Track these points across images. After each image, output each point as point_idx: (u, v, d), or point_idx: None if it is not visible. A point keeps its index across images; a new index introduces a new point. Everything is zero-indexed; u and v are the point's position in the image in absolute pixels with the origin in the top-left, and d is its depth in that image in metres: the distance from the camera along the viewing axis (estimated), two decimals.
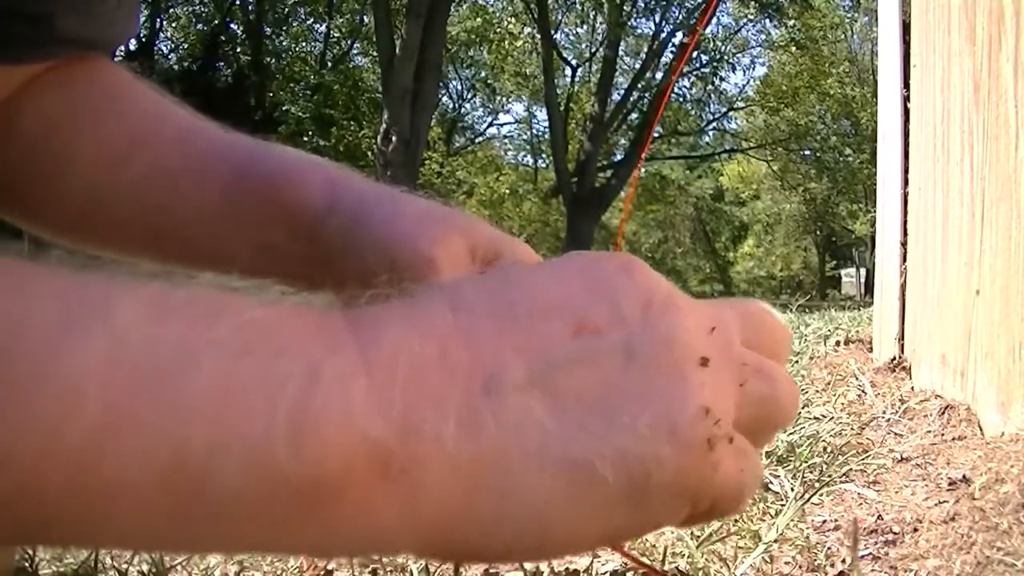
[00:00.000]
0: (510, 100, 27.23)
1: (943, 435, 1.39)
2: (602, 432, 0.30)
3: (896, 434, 1.48)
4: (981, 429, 1.36)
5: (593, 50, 24.18)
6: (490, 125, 28.87)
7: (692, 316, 0.34)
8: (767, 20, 22.12)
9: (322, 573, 1.04)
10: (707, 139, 28.23)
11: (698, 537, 0.99)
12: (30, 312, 0.25)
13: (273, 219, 0.54)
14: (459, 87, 26.22)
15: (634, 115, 22.27)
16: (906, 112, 1.90)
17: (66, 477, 0.24)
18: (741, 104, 26.33)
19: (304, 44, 22.63)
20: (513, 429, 0.30)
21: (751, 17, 22.18)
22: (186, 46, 21.04)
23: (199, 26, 20.88)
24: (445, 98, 25.01)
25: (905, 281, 1.86)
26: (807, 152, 26.07)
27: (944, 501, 1.09)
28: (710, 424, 0.32)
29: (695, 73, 23.10)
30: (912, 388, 1.70)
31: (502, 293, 0.33)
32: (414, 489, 0.28)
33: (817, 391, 1.85)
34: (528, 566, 0.97)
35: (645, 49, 22.84)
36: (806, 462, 1.30)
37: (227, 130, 0.59)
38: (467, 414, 0.29)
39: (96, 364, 0.25)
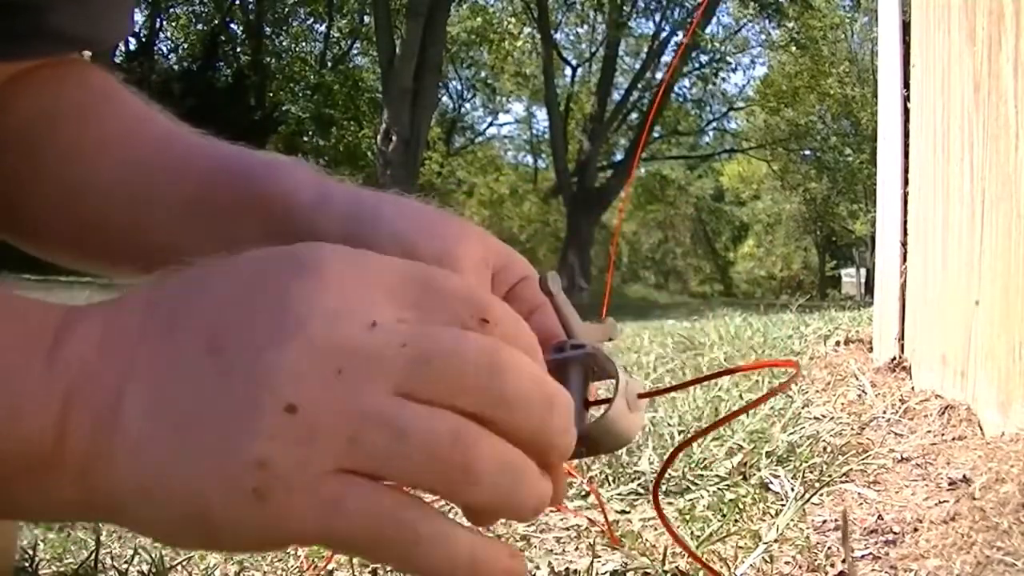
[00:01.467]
0: (510, 100, 27.25)
1: (943, 435, 1.39)
2: (173, 455, 0.32)
3: (896, 434, 1.48)
4: (981, 429, 1.36)
5: (593, 50, 24.18)
6: (490, 125, 28.90)
7: (311, 353, 0.32)
8: (767, 20, 22.13)
9: (322, 574, 1.04)
10: (707, 139, 28.25)
11: (698, 537, 0.99)
12: None
13: (248, 211, 0.52)
14: (459, 87, 26.24)
15: (634, 115, 22.27)
16: (906, 112, 1.90)
17: None
18: (741, 104, 26.35)
19: (304, 44, 22.65)
20: (133, 444, 0.33)
21: (751, 16, 22.17)
22: (186, 46, 21.05)
23: (199, 26, 20.88)
24: (445, 98, 25.01)
25: (905, 281, 1.86)
26: (807, 152, 26.09)
27: (944, 501, 1.09)
28: (263, 476, 0.31)
29: (695, 73, 23.10)
30: (912, 388, 1.70)
31: (181, 301, 0.36)
32: (75, 476, 0.33)
33: (817, 391, 1.85)
34: (528, 565, 0.97)
35: (645, 49, 22.84)
36: (806, 462, 1.30)
37: (209, 136, 0.58)
38: (107, 418, 0.33)
39: None
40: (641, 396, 0.46)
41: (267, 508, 0.31)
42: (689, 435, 1.47)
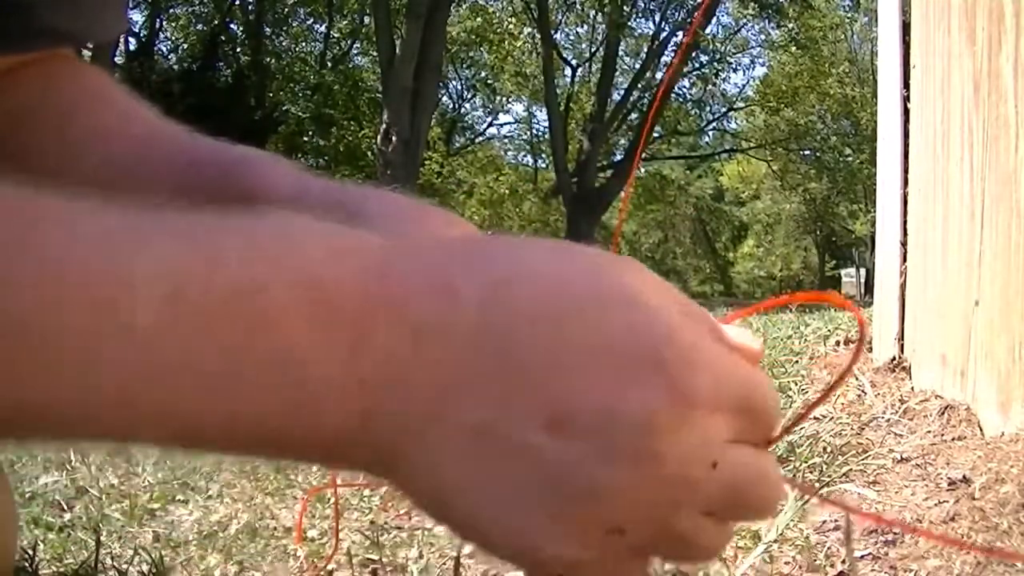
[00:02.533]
0: (510, 100, 27.23)
1: (943, 435, 1.39)
2: (483, 510, 0.33)
3: (896, 434, 1.48)
4: (981, 429, 1.36)
5: (593, 50, 24.18)
6: (490, 125, 28.87)
7: (655, 486, 0.33)
8: (767, 21, 22.13)
9: (322, 573, 1.04)
10: (707, 139, 28.24)
11: None
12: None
13: (227, 206, 0.52)
14: (459, 87, 26.23)
15: (634, 115, 22.26)
16: (906, 112, 1.90)
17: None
18: (741, 104, 26.34)
19: (304, 44, 22.63)
20: (437, 480, 0.34)
21: (751, 16, 22.17)
22: (186, 46, 21.03)
23: (199, 26, 20.87)
24: (445, 98, 25.01)
25: (905, 281, 1.86)
26: (807, 152, 26.07)
27: (944, 501, 1.09)
28: (567, 569, 0.34)
29: (695, 73, 23.10)
30: (912, 388, 1.70)
31: (520, 346, 0.33)
32: (373, 452, 0.34)
33: (817, 391, 1.85)
34: None
35: (645, 49, 22.84)
36: (806, 462, 1.30)
37: (194, 133, 0.58)
38: (415, 434, 0.33)
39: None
40: None
41: (605, 564, 0.34)
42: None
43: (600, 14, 22.19)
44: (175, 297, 0.29)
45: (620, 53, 22.88)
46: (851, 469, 1.28)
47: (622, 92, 22.48)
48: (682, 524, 0.35)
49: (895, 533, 1.02)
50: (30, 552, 1.08)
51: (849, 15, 23.31)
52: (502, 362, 0.33)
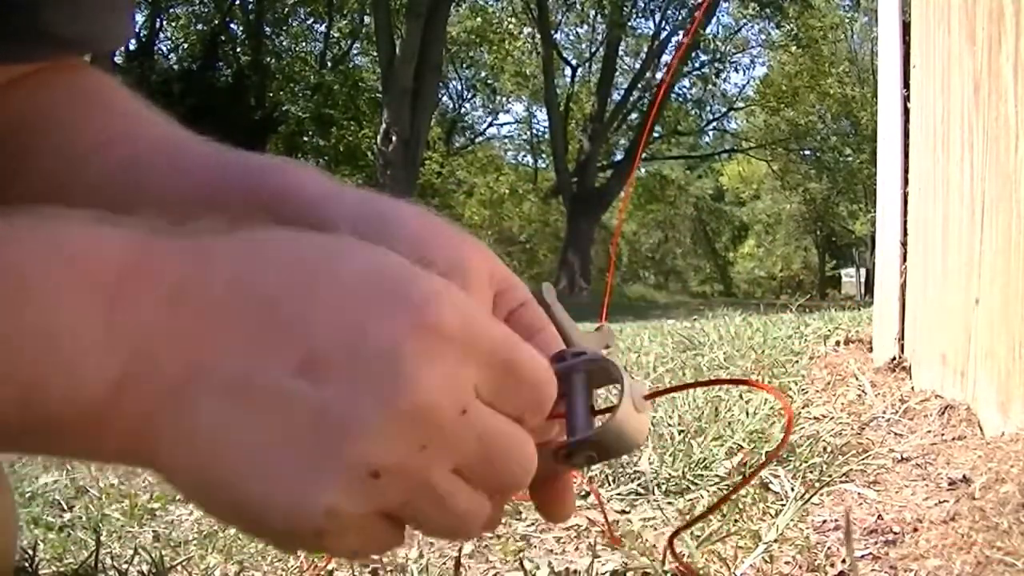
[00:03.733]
0: (510, 100, 27.24)
1: (943, 435, 1.39)
2: (244, 465, 0.34)
3: (896, 434, 1.48)
4: (981, 429, 1.36)
5: (593, 50, 24.18)
6: (490, 125, 28.89)
7: (407, 423, 0.34)
8: (767, 21, 22.13)
9: (323, 573, 1.04)
10: (707, 139, 28.25)
11: (698, 537, 0.99)
12: None
13: (256, 208, 0.51)
14: (459, 87, 26.23)
15: (634, 115, 22.27)
16: (906, 112, 1.90)
17: None
18: (741, 104, 26.35)
19: (304, 44, 22.64)
20: (199, 438, 0.34)
21: (751, 16, 22.17)
22: (186, 46, 21.04)
23: (199, 26, 20.87)
24: (445, 98, 25.01)
25: (905, 281, 1.86)
26: (807, 152, 26.08)
27: (944, 501, 1.09)
28: (327, 521, 0.34)
29: (695, 73, 23.11)
30: (912, 388, 1.70)
31: (275, 291, 0.35)
32: (123, 434, 0.34)
33: (817, 391, 1.85)
34: (528, 566, 0.98)
35: (645, 49, 22.84)
36: (806, 462, 1.30)
37: (209, 141, 0.57)
38: (168, 402, 0.34)
39: None
40: (647, 397, 0.46)
41: (318, 540, 0.35)
42: (689, 434, 1.47)
43: (600, 14, 22.19)
44: None
45: (620, 53, 22.89)
46: (851, 469, 1.28)
47: (622, 92, 22.49)
48: (435, 477, 0.35)
49: (895, 533, 1.02)
50: (30, 552, 1.08)
51: (849, 15, 23.32)
52: (253, 312, 0.34)
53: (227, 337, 0.34)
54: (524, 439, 0.38)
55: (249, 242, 0.37)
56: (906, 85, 1.90)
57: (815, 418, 1.59)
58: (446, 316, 0.35)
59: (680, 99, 23.99)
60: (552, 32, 21.46)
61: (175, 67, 19.69)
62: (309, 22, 22.42)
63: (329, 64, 21.68)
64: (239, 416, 0.34)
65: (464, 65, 24.97)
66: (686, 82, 23.37)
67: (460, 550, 1.02)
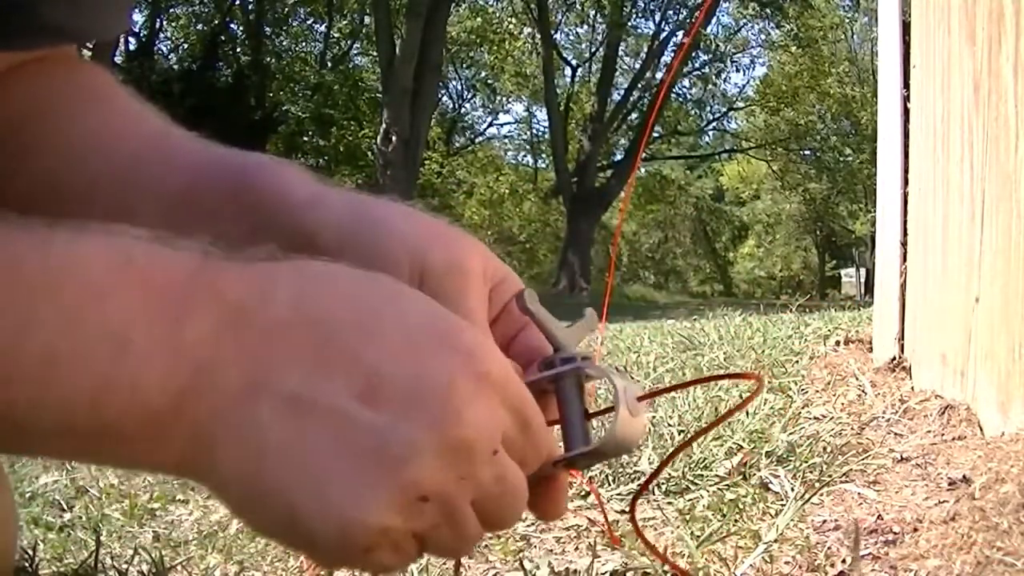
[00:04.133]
0: (510, 100, 27.24)
1: (943, 435, 1.39)
2: (295, 483, 0.36)
3: (896, 434, 1.48)
4: (981, 429, 1.36)
5: (593, 50, 24.18)
6: (490, 125, 28.89)
7: (454, 454, 0.37)
8: (767, 21, 22.13)
9: (323, 574, 1.04)
10: (707, 139, 28.25)
11: (698, 537, 0.99)
12: None
13: (238, 207, 0.52)
14: (459, 87, 26.22)
15: (634, 115, 22.27)
16: (906, 112, 1.90)
17: None
18: (741, 104, 26.35)
19: (304, 44, 22.63)
20: (253, 449, 0.35)
21: (751, 16, 22.17)
22: (186, 46, 21.03)
23: (199, 26, 20.87)
24: (445, 98, 25.00)
25: (905, 281, 1.86)
26: (807, 152, 26.08)
27: (944, 501, 1.09)
28: (377, 538, 0.36)
29: (695, 73, 23.11)
30: (912, 388, 1.70)
31: (342, 327, 0.37)
32: (190, 443, 0.35)
33: (817, 391, 1.85)
34: (528, 565, 0.97)
35: (645, 49, 22.84)
36: (806, 462, 1.30)
37: (201, 138, 0.57)
38: (228, 411, 0.35)
39: None
40: (641, 399, 0.46)
41: (366, 555, 0.37)
42: (689, 434, 1.47)
43: (600, 14, 22.19)
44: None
45: (620, 53, 22.89)
46: (851, 469, 1.28)
47: (622, 92, 22.49)
48: (462, 507, 0.39)
49: (895, 533, 1.02)
50: (30, 552, 1.08)
51: (849, 15, 23.32)
52: (317, 338, 0.36)
53: (291, 356, 0.36)
54: (525, 487, 0.42)
55: (310, 269, 0.39)
56: (906, 85, 1.90)
57: (815, 418, 1.59)
58: (493, 365, 0.39)
59: (680, 99, 23.99)
60: (552, 32, 21.46)
61: (175, 67, 19.69)
62: (309, 22, 22.42)
63: (329, 64, 21.68)
64: (299, 432, 0.35)
65: (464, 65, 24.97)
66: (686, 82, 23.38)
67: None
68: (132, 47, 18.72)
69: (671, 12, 21.56)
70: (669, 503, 1.20)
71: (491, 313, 0.50)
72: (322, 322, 0.37)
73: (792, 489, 1.16)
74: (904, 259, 1.88)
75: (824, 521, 1.08)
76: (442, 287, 0.47)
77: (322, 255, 0.47)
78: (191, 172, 0.54)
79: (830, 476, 1.25)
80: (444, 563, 1.04)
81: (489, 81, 25.23)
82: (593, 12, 22.89)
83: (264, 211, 0.51)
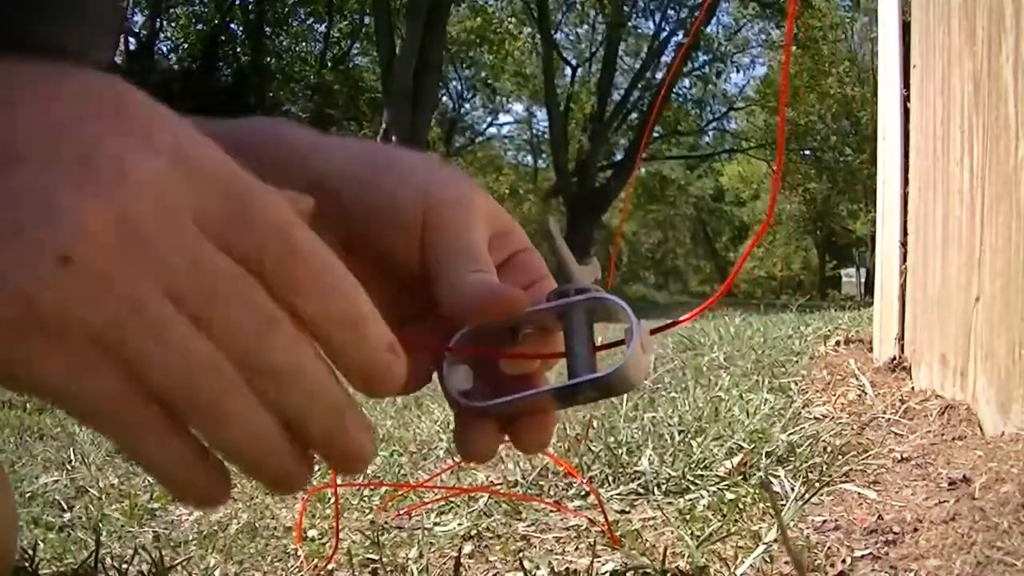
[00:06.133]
0: (510, 100, 27.25)
1: (943, 435, 1.39)
2: None
3: (896, 434, 1.48)
4: (981, 429, 1.36)
5: (593, 50, 24.18)
6: (490, 125, 28.91)
7: (110, 219, 0.31)
8: (767, 21, 22.14)
9: (323, 573, 1.04)
10: (707, 139, 28.26)
11: (698, 537, 0.99)
12: None
13: (241, 155, 0.51)
14: (459, 87, 26.24)
15: (634, 115, 22.28)
16: (906, 112, 1.90)
17: None
18: (741, 104, 26.36)
19: (304, 44, 22.65)
20: None
21: (751, 16, 22.18)
22: (186, 46, 21.04)
23: (199, 26, 20.88)
24: (445, 98, 25.00)
25: (905, 281, 1.86)
26: (807, 152, 26.09)
27: (944, 501, 1.09)
28: (23, 309, 0.30)
29: (695, 73, 23.12)
30: (912, 388, 1.70)
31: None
32: None
33: (817, 391, 1.85)
34: (528, 565, 0.97)
35: (645, 49, 22.85)
36: (806, 462, 1.30)
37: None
38: None
39: None
40: (653, 332, 0.46)
41: (16, 338, 0.31)
42: (689, 434, 1.47)
43: (600, 14, 22.19)
44: None
45: (620, 53, 22.89)
46: (851, 469, 1.28)
47: (622, 92, 22.50)
48: (142, 293, 0.31)
49: (895, 533, 1.02)
50: (30, 552, 1.08)
51: (849, 15, 23.33)
52: None
53: None
54: (252, 287, 0.34)
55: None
56: (906, 85, 1.90)
57: (815, 418, 1.59)
58: (158, 136, 0.33)
59: (680, 99, 24.01)
60: (552, 32, 21.47)
61: (175, 67, 19.69)
62: (309, 22, 22.44)
63: (329, 64, 21.69)
64: None
65: (464, 65, 24.98)
66: (686, 82, 23.40)
67: (460, 550, 1.02)
68: (132, 47, 18.72)
69: (671, 12, 21.59)
70: (669, 503, 1.20)
71: (496, 258, 0.49)
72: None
73: (792, 489, 1.16)
74: (904, 259, 1.88)
75: (824, 521, 1.08)
76: (446, 219, 0.46)
77: (329, 197, 0.46)
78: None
79: (830, 476, 1.25)
80: (444, 563, 1.04)
81: (489, 81, 25.24)
82: (593, 12, 22.91)
83: (268, 160, 0.49)
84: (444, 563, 1.04)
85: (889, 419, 1.56)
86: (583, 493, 1.25)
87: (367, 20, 20.38)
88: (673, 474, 1.29)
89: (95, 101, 0.34)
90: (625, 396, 1.79)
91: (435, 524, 1.18)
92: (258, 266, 0.34)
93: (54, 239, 0.30)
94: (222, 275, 0.33)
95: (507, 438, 0.47)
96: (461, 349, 0.46)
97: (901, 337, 1.86)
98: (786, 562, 0.94)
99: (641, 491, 1.26)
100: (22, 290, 0.30)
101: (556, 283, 0.48)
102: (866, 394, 1.74)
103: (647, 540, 1.05)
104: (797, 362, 2.24)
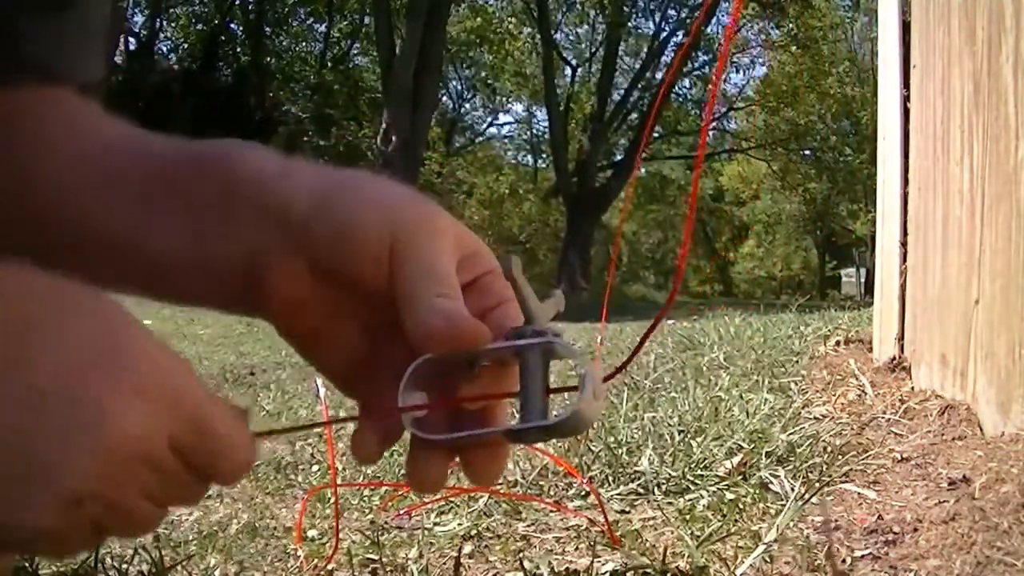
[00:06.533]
0: (510, 100, 27.25)
1: (943, 435, 1.39)
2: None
3: (896, 434, 1.48)
4: (981, 429, 1.36)
5: (593, 50, 24.18)
6: (490, 125, 28.92)
7: (110, 460, 0.40)
8: (767, 21, 22.13)
9: (323, 573, 1.04)
10: (707, 139, 28.21)
11: (698, 537, 0.99)
12: None
13: (210, 181, 0.52)
14: (459, 87, 26.24)
15: (634, 115, 22.27)
16: (906, 112, 1.90)
17: None
18: (741, 104, 26.35)
19: (304, 44, 22.65)
20: None
21: (752, 16, 22.16)
22: (186, 46, 21.04)
23: (199, 26, 20.88)
24: (445, 98, 25.01)
25: (905, 281, 1.86)
26: (807, 152, 26.08)
27: (944, 501, 1.09)
28: (40, 543, 0.43)
29: (695, 73, 23.12)
30: (912, 388, 1.70)
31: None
32: None
33: (817, 391, 1.85)
34: (528, 565, 0.98)
35: (645, 49, 22.85)
36: (806, 462, 1.30)
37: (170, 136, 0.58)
38: None
39: None
40: (605, 379, 0.46)
41: (33, 546, 0.42)
42: (689, 434, 1.47)
43: (600, 14, 22.19)
44: None
45: (620, 53, 22.89)
46: (851, 469, 1.28)
47: (622, 92, 22.49)
48: (124, 503, 0.42)
49: (895, 533, 1.02)
50: None
51: (849, 15, 23.33)
52: None
53: None
54: (200, 486, 0.46)
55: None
56: (906, 85, 1.90)
57: (815, 418, 1.59)
58: (146, 380, 0.41)
59: (680, 99, 24.00)
60: (552, 32, 21.46)
61: (175, 67, 19.70)
62: (309, 22, 22.43)
63: (329, 64, 21.68)
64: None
65: (464, 65, 24.98)
66: (686, 82, 23.39)
67: (460, 550, 1.02)
68: (132, 47, 18.72)
69: (671, 12, 21.58)
70: (669, 503, 1.20)
71: (462, 280, 0.49)
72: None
73: (792, 489, 1.16)
74: (904, 259, 1.88)
75: (824, 521, 1.08)
76: (413, 244, 0.47)
77: (296, 224, 0.48)
78: (159, 152, 0.54)
79: (830, 476, 1.25)
80: (444, 563, 1.04)
81: (489, 81, 25.23)
82: (593, 12, 22.90)
83: (237, 186, 0.51)
84: (444, 563, 1.04)
85: (889, 419, 1.56)
86: (583, 493, 1.25)
87: (367, 20, 20.37)
88: (673, 474, 1.29)
89: (94, 354, 0.41)
90: (625, 396, 1.79)
91: (435, 524, 1.18)
92: (194, 459, 0.45)
93: (69, 490, 0.40)
94: (183, 479, 0.44)
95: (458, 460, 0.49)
96: (418, 406, 0.47)
97: (901, 337, 1.86)
98: (786, 562, 0.94)
99: (641, 491, 1.26)
100: (37, 523, 0.40)
101: (519, 305, 0.48)
102: (866, 394, 1.74)
103: (647, 540, 1.05)
104: (797, 362, 2.24)
